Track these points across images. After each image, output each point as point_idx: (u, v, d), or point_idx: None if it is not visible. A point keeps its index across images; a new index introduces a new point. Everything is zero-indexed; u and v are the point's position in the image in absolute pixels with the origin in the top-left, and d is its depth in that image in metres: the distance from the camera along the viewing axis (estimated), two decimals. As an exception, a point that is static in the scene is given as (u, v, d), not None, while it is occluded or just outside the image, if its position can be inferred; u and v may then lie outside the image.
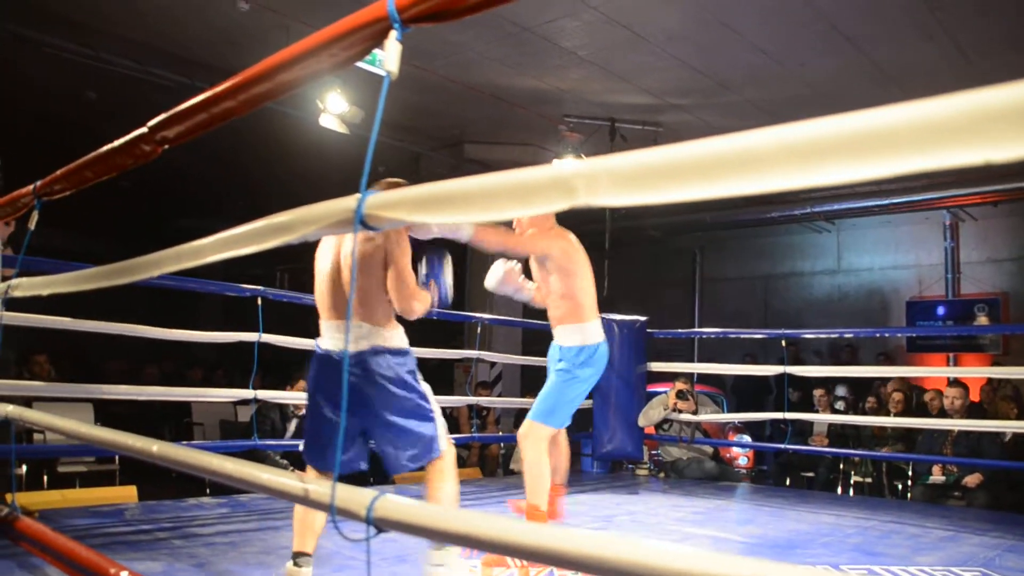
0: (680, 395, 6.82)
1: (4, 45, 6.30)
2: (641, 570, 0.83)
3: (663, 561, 0.82)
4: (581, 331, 3.49)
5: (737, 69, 7.05)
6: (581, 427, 7.05)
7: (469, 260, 10.27)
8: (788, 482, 7.31)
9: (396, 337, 2.74)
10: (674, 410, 6.75)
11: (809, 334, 9.24)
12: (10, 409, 2.93)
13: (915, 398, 7.31)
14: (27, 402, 4.87)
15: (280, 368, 8.28)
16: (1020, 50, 6.30)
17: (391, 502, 1.13)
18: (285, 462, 5.55)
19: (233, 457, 1.67)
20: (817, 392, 7.52)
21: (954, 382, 6.26)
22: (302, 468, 5.17)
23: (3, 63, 6.98)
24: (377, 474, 6.97)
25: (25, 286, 2.73)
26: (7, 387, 3.90)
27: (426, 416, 2.72)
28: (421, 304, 2.75)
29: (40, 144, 7.25)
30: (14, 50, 6.42)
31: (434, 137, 9.40)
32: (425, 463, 2.73)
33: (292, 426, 5.94)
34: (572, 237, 3.55)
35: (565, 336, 3.53)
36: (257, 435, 5.23)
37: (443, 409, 6.10)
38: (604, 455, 6.76)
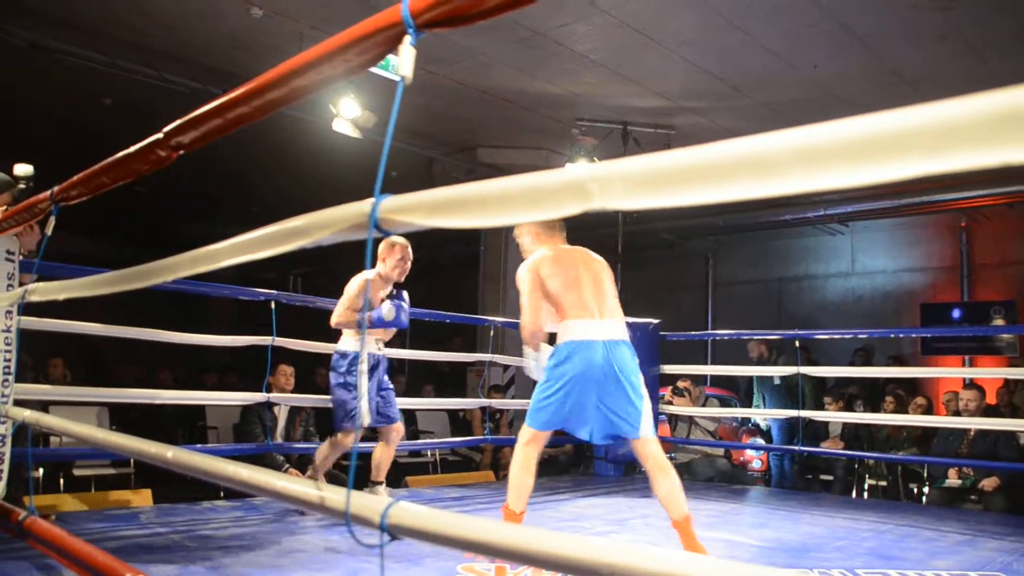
0: (676, 391, 6.97)
1: (21, 53, 6.36)
2: None
3: (676, 569, 0.82)
4: (559, 330, 3.45)
5: (750, 72, 7.04)
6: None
7: (482, 264, 10.29)
8: (804, 485, 7.28)
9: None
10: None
11: (823, 335, 9.18)
12: (27, 414, 2.95)
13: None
14: (44, 406, 4.91)
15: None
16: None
17: (405, 510, 1.13)
18: (281, 458, 5.49)
19: (246, 461, 1.68)
20: (827, 400, 7.48)
21: (969, 384, 6.21)
22: (302, 469, 5.23)
23: (21, 71, 7.05)
24: (388, 478, 6.98)
25: (42, 291, 2.75)
26: (24, 391, 3.92)
27: None
28: None
29: (57, 150, 7.31)
30: (31, 58, 6.48)
31: (447, 142, 9.42)
32: None
33: (281, 425, 5.84)
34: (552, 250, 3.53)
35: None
36: (258, 437, 5.26)
37: (456, 412, 6.14)
38: (617, 458, 6.75)
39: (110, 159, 2.14)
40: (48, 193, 2.54)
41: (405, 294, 4.31)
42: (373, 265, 4.39)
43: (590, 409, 3.32)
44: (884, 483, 6.94)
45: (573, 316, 3.37)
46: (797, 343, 6.88)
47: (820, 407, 7.28)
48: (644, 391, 3.42)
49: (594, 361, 3.29)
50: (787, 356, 8.03)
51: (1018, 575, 3.50)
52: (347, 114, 6.98)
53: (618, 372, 3.31)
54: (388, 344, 5.10)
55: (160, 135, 1.89)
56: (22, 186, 3.34)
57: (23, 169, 3.36)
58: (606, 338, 3.33)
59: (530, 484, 3.37)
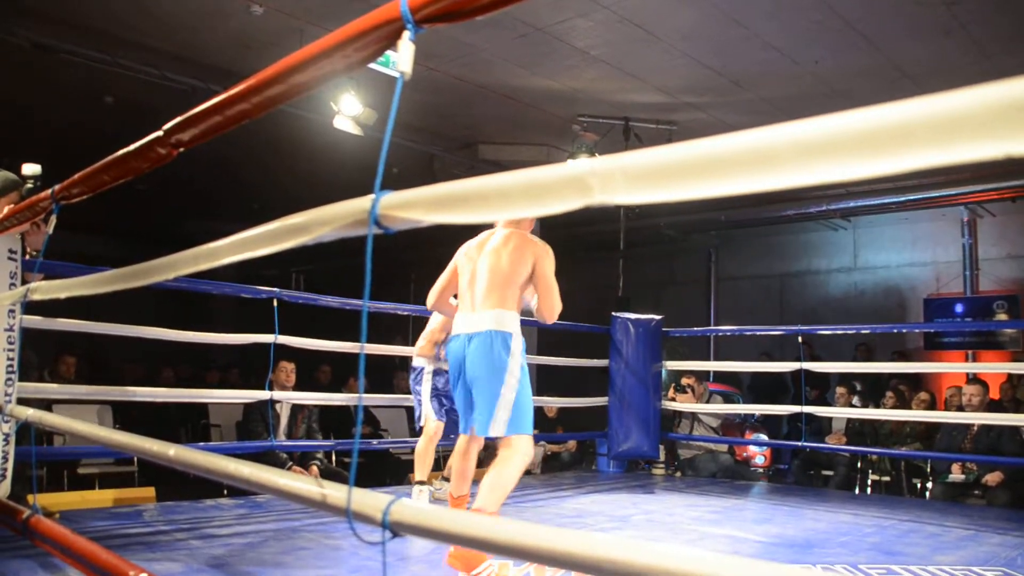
0: (678, 388, 6.99)
1: (24, 52, 6.36)
2: (658, 574, 0.83)
3: (680, 565, 0.82)
4: None
5: (751, 67, 7.02)
6: (597, 427, 7.04)
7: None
8: (807, 481, 7.27)
9: None
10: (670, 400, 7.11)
11: (825, 330, 9.17)
12: (30, 412, 2.96)
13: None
14: (47, 405, 4.92)
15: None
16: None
17: (406, 506, 1.13)
18: (284, 455, 5.48)
19: (250, 459, 1.68)
20: (839, 389, 7.48)
21: (973, 379, 6.20)
22: (305, 466, 5.26)
23: (23, 70, 7.05)
24: (392, 475, 7.00)
25: (43, 290, 2.74)
26: (28, 390, 3.92)
27: None
28: None
29: (58, 149, 7.32)
30: (34, 57, 6.48)
31: (448, 138, 9.41)
32: None
33: (284, 423, 5.81)
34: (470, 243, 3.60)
35: None
36: (261, 435, 5.26)
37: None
38: (620, 455, 6.75)
39: (110, 157, 2.13)
40: (49, 192, 2.54)
41: None
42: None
43: (459, 400, 3.42)
44: (887, 478, 6.93)
45: (459, 309, 3.48)
46: (800, 338, 6.88)
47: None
48: (505, 390, 3.17)
49: (457, 355, 3.36)
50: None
51: (1022, 570, 3.49)
52: (348, 111, 6.97)
53: (473, 366, 3.25)
54: (386, 341, 5.14)
55: (160, 132, 1.89)
56: (30, 185, 3.34)
57: (31, 169, 3.36)
58: (468, 331, 3.31)
59: (465, 467, 3.72)
